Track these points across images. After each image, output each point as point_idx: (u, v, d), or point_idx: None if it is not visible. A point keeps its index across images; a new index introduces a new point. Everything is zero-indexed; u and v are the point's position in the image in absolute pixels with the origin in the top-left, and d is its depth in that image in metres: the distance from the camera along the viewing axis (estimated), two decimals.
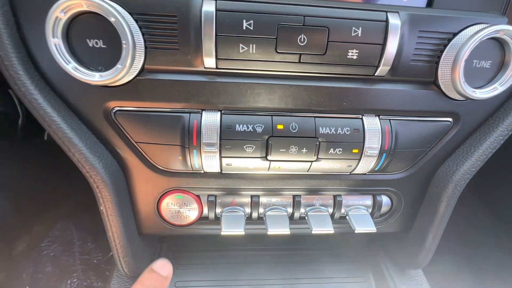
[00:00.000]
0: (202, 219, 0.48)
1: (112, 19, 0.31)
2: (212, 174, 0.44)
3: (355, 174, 0.45)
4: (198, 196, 0.46)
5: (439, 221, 0.47)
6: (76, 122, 0.38)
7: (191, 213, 0.47)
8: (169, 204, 0.46)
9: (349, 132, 0.40)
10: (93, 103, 0.37)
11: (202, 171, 0.43)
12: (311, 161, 0.41)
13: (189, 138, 0.38)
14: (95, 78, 0.33)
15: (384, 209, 0.51)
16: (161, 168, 0.43)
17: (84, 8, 0.31)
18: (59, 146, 0.38)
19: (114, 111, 0.38)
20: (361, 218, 0.47)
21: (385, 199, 0.50)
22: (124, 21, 0.31)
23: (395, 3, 0.38)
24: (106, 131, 0.39)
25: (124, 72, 0.33)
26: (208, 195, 0.46)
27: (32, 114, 0.36)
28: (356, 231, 0.46)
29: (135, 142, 0.40)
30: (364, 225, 0.46)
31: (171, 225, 0.48)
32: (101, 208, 0.41)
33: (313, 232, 0.45)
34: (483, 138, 0.42)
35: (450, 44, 0.37)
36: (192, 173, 0.44)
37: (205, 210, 0.47)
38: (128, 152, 0.41)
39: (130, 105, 0.38)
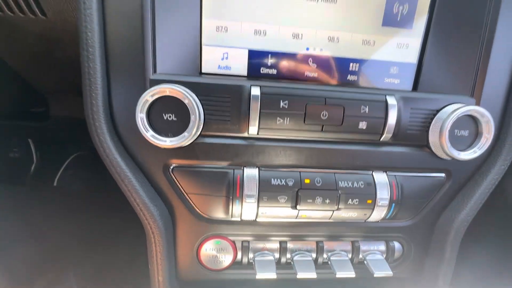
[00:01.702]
0: (235, 263, 0.53)
1: (186, 101, 0.42)
2: (247, 222, 0.51)
3: (370, 221, 0.52)
4: (233, 241, 0.52)
5: (447, 264, 0.53)
6: (141, 176, 0.46)
7: (226, 258, 0.52)
8: (207, 250, 0.51)
9: (363, 185, 0.49)
10: (157, 161, 0.46)
11: (239, 219, 0.50)
12: (333, 210, 0.49)
13: (233, 190, 0.46)
14: (166, 143, 0.42)
15: (397, 254, 0.56)
16: (205, 216, 0.50)
17: (167, 93, 0.41)
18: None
19: (172, 167, 0.47)
20: (378, 263, 0.53)
21: (397, 245, 0.56)
22: (195, 102, 0.42)
23: (388, 87, 0.50)
24: (163, 183, 0.47)
25: (189, 138, 0.43)
26: (242, 241, 0.52)
27: (109, 170, 0.44)
28: (374, 275, 0.51)
29: (186, 193, 0.48)
30: (382, 269, 0.51)
31: (207, 269, 0.52)
32: (152, 252, 0.46)
33: (337, 276, 0.50)
34: (472, 192, 0.51)
35: (436, 117, 0.48)
36: (230, 221, 0.50)
37: (239, 255, 0.53)
38: (179, 202, 0.48)
39: (186, 163, 0.47)
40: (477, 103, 0.49)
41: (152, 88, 0.41)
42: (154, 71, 0.44)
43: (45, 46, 0.54)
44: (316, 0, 0.48)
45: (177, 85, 0.42)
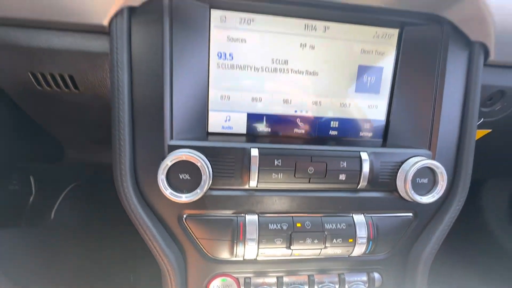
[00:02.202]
0: None
1: (198, 164, 0.51)
2: (249, 260, 0.59)
3: (353, 256, 0.62)
4: (237, 278, 0.60)
5: None
6: (159, 225, 0.54)
7: None
8: (215, 287, 0.59)
9: (345, 226, 0.58)
10: (173, 212, 0.55)
11: (242, 259, 0.58)
12: (321, 248, 0.58)
13: (237, 234, 0.55)
14: (182, 198, 0.51)
15: (377, 284, 0.65)
16: (213, 257, 0.58)
17: (183, 158, 0.51)
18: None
19: (185, 216, 0.55)
20: None
21: (377, 276, 0.65)
22: (205, 164, 0.51)
23: (363, 139, 0.61)
24: (177, 230, 0.56)
25: (201, 194, 0.52)
26: (245, 277, 0.60)
27: (133, 223, 0.52)
28: None
29: (197, 238, 0.56)
30: None
31: None
32: None
33: None
34: (435, 228, 0.62)
35: (401, 168, 0.59)
36: (234, 260, 0.59)
37: None
38: (190, 246, 0.57)
39: (197, 212, 0.56)
40: (433, 156, 0.61)
41: (172, 155, 0.50)
42: (171, 137, 0.53)
43: (73, 110, 0.63)
44: (302, 73, 0.60)
45: (191, 150, 0.52)
